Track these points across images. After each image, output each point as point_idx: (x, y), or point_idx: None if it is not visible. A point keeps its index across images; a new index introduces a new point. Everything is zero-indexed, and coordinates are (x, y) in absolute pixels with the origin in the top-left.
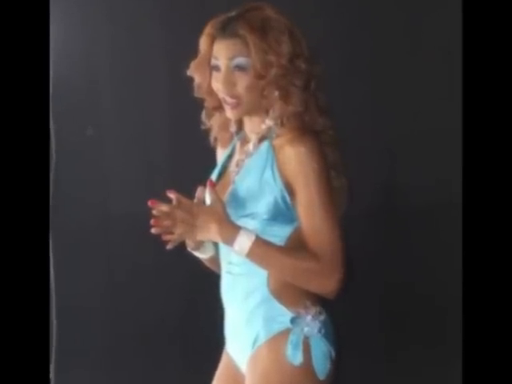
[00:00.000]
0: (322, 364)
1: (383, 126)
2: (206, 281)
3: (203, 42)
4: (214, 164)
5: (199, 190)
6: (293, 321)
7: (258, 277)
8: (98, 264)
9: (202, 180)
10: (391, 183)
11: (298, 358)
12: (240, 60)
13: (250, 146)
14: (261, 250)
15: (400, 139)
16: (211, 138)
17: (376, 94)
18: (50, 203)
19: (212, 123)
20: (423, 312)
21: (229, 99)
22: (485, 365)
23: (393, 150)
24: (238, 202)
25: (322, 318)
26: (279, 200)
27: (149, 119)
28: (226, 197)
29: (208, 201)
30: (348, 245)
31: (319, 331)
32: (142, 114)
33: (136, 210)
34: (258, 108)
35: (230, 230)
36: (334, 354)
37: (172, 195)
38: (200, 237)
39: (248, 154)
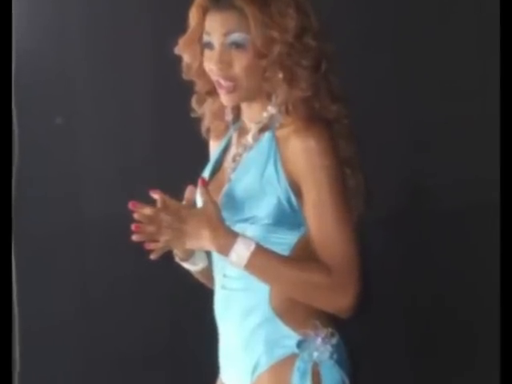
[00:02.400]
0: None
1: (408, 113)
2: (197, 297)
3: (193, 15)
4: (206, 159)
5: (189, 189)
6: (300, 344)
7: (259, 292)
8: (69, 277)
9: (192, 178)
10: (417, 182)
11: None
12: (237, 36)
13: (249, 138)
14: (262, 260)
15: (428, 130)
16: (203, 129)
17: (400, 76)
18: (13, 205)
19: (204, 111)
20: (455, 332)
21: (224, 82)
22: None
23: (419, 142)
24: (235, 203)
25: (335, 341)
26: (283, 201)
27: (130, 106)
28: (220, 198)
29: (199, 203)
30: (366, 254)
31: (331, 357)
32: (122, 100)
33: (114, 213)
34: (259, 93)
35: (226, 237)
36: (348, 383)
37: (156, 196)
38: (190, 245)
39: (247, 148)
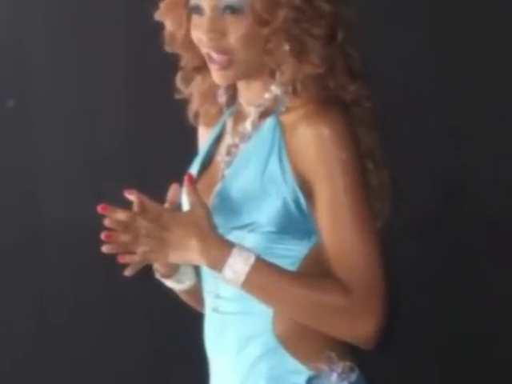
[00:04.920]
0: None
1: (444, 97)
2: (182, 321)
3: None
4: (194, 151)
5: (173, 189)
6: (311, 381)
7: (260, 317)
8: (24, 295)
9: (177, 174)
10: (457, 181)
11: None
12: None
13: (248, 125)
14: (263, 277)
15: (467, 118)
16: (190, 113)
17: (434, 51)
18: None
19: (191, 91)
20: (500, 368)
21: (216, 55)
22: None
23: (457, 132)
24: (230, 206)
25: (354, 377)
26: (290, 204)
27: (98, 86)
28: (212, 199)
29: (186, 205)
30: (392, 268)
31: None
32: (89, 79)
33: (79, 217)
34: (260, 69)
35: (218, 248)
36: None
37: (132, 197)
38: (174, 258)
39: (244, 137)
